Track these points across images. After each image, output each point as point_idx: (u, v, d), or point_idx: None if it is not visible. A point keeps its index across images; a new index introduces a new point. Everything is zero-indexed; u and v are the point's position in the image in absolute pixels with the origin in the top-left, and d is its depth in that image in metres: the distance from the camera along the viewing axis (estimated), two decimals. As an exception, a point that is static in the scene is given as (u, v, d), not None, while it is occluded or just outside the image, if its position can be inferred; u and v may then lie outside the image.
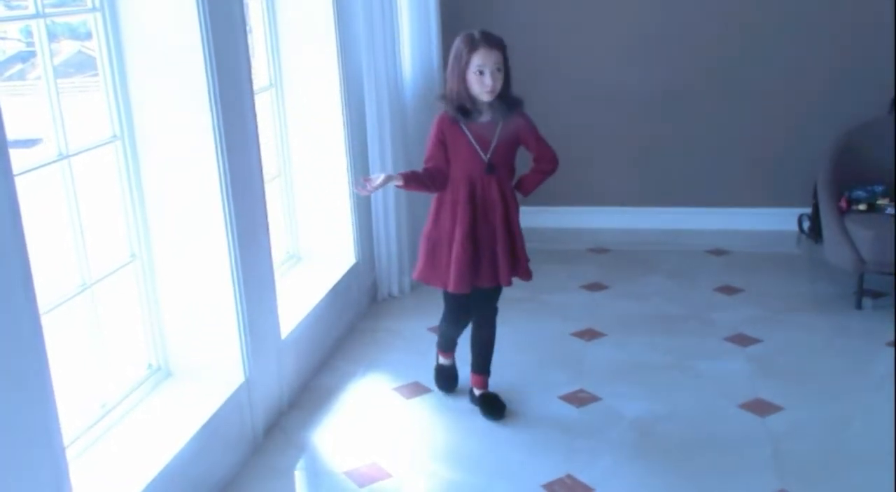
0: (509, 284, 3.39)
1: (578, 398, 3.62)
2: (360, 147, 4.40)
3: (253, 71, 3.39)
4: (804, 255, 5.19)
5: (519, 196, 3.42)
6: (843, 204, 4.48)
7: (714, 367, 3.85)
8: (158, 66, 2.95)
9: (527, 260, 3.42)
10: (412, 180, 3.28)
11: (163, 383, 3.22)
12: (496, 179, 3.28)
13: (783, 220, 5.42)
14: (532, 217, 5.56)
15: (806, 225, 5.30)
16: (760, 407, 3.49)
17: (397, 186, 3.34)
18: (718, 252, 5.29)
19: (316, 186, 4.33)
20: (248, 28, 3.63)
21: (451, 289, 3.33)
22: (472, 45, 3.15)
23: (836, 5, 5.16)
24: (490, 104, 3.21)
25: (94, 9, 2.88)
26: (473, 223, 3.28)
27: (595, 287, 4.81)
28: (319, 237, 4.42)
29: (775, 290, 4.68)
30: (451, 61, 3.21)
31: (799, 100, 5.34)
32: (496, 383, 3.61)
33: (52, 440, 2.20)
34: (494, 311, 3.54)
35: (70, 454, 2.53)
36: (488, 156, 3.26)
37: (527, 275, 3.43)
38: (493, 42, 3.15)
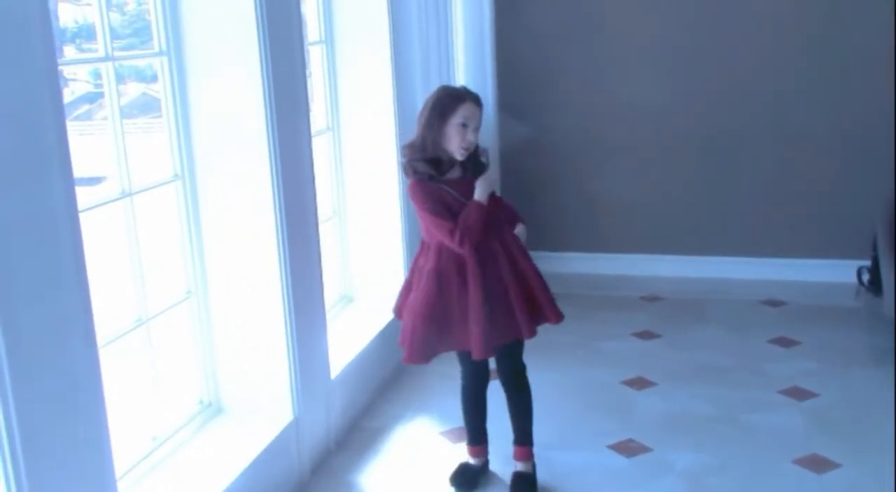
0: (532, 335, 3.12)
1: (628, 448, 3.57)
2: (414, 190, 4.43)
3: (311, 114, 3.45)
4: (863, 308, 5.07)
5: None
6: (904, 257, 4.39)
7: (768, 420, 3.77)
8: (221, 109, 3.03)
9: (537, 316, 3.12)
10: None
11: (213, 418, 3.25)
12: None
13: (841, 272, 5.30)
14: (586, 263, 5.58)
15: (865, 277, 5.19)
16: (816, 463, 3.41)
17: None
18: (774, 303, 5.20)
19: (370, 228, 4.38)
20: (308, 72, 3.71)
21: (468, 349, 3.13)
22: (459, 98, 2.98)
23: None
24: (461, 163, 3.03)
25: (161, 52, 2.98)
26: (483, 278, 3.03)
27: (647, 335, 4.76)
28: (372, 278, 4.45)
29: (833, 343, 4.58)
30: (429, 111, 2.99)
31: (857, 148, 5.26)
32: (544, 430, 3.54)
33: (104, 473, 2.23)
34: (519, 371, 3.27)
35: (121, 487, 2.56)
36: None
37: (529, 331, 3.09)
38: (479, 100, 3.04)
